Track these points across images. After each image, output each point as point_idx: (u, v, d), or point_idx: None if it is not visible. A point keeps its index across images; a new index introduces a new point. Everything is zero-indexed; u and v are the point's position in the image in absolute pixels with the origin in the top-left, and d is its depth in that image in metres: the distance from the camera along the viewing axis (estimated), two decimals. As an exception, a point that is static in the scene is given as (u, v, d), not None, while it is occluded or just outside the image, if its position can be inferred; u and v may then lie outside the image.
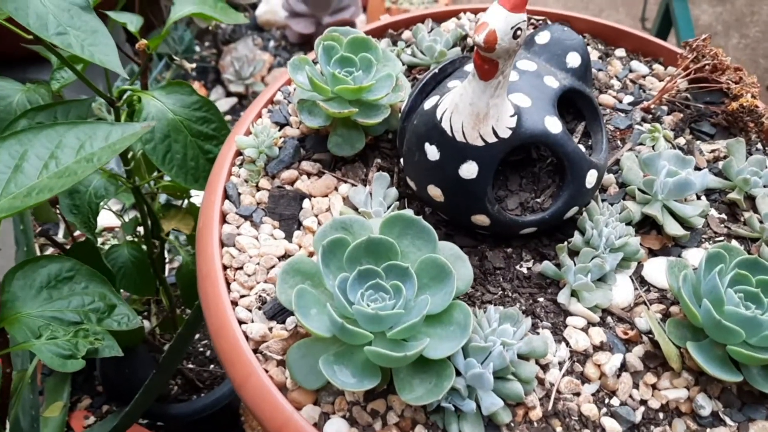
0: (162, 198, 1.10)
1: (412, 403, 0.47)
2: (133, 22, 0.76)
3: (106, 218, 1.36)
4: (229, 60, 1.89)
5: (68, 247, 1.00)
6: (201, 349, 1.23)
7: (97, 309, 0.66)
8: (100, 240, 1.36)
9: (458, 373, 0.49)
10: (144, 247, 0.97)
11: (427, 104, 0.56)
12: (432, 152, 0.54)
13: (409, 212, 0.52)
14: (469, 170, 0.53)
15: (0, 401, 0.68)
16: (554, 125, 0.54)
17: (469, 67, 0.59)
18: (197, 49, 1.96)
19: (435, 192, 0.56)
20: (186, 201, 1.03)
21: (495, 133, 0.52)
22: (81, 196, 0.81)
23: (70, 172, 0.46)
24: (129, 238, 0.99)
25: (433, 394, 0.47)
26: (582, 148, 0.57)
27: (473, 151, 0.52)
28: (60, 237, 1.38)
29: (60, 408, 1.44)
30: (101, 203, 0.82)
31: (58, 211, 1.02)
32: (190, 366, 1.21)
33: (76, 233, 1.10)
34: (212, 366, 1.22)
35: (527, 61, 0.59)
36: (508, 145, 0.53)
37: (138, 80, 0.81)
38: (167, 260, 1.12)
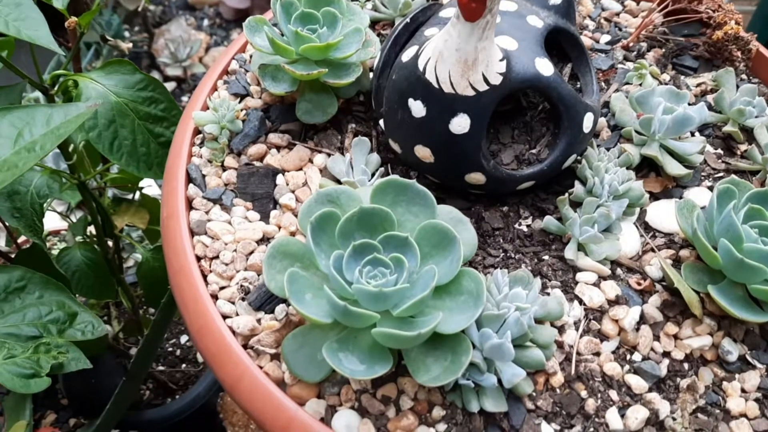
0: (110, 193, 1.01)
1: (428, 384, 0.42)
2: (59, -2, 0.68)
3: (50, 221, 1.27)
4: (162, 43, 1.79)
5: (13, 255, 0.92)
6: (170, 350, 1.17)
7: (56, 319, 0.60)
8: (46, 245, 1.26)
9: (473, 346, 0.45)
10: (98, 247, 0.90)
11: (405, 56, 0.51)
12: (417, 108, 0.49)
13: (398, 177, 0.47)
14: (460, 124, 0.48)
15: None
16: (546, 67, 0.50)
17: (447, 12, 0.54)
18: (127, 34, 1.84)
19: (423, 152, 0.51)
20: (137, 193, 0.96)
21: (486, 81, 0.47)
22: (22, 198, 0.73)
23: (10, 165, 0.39)
24: (80, 239, 0.91)
25: (451, 372, 0.42)
26: (582, 99, 0.53)
27: (463, 103, 0.48)
28: (2, 245, 1.28)
29: (23, 427, 1.35)
30: (45, 203, 0.74)
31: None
32: (161, 368, 1.15)
33: (21, 239, 1.01)
34: (184, 366, 1.15)
35: (507, 0, 0.55)
36: (499, 92, 0.48)
37: (71, 64, 0.73)
38: (123, 259, 1.04)
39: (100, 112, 0.66)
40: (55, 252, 1.09)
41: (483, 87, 0.47)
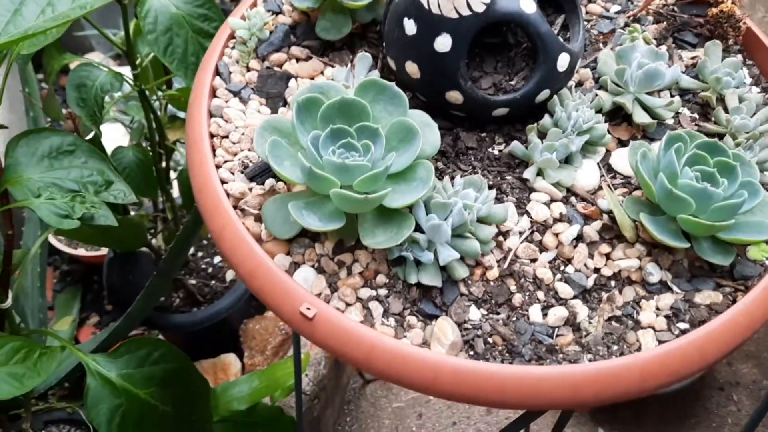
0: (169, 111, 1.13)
1: (373, 246, 0.50)
2: None
3: (118, 141, 1.41)
4: None
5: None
6: (203, 266, 1.28)
7: (95, 182, 0.70)
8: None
9: (421, 231, 0.52)
10: (149, 151, 1.01)
11: (409, -16, 0.59)
12: (410, 26, 0.57)
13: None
14: (443, 43, 0.55)
15: (2, 267, 0.73)
16: (528, 6, 0.56)
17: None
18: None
19: (412, 68, 0.58)
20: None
21: (469, 6, 0.54)
22: (87, 90, 0.85)
23: (64, 16, 0.49)
24: (135, 143, 1.03)
25: (393, 240, 0.50)
26: (560, 39, 0.59)
27: (447, 24, 0.55)
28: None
29: (69, 322, 1.50)
30: (106, 97, 0.86)
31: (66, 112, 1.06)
32: (193, 281, 1.26)
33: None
34: (213, 282, 1.26)
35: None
36: (481, 20, 0.55)
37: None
38: (173, 176, 1.16)
39: (159, 19, 0.77)
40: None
41: (466, 12, 0.54)
